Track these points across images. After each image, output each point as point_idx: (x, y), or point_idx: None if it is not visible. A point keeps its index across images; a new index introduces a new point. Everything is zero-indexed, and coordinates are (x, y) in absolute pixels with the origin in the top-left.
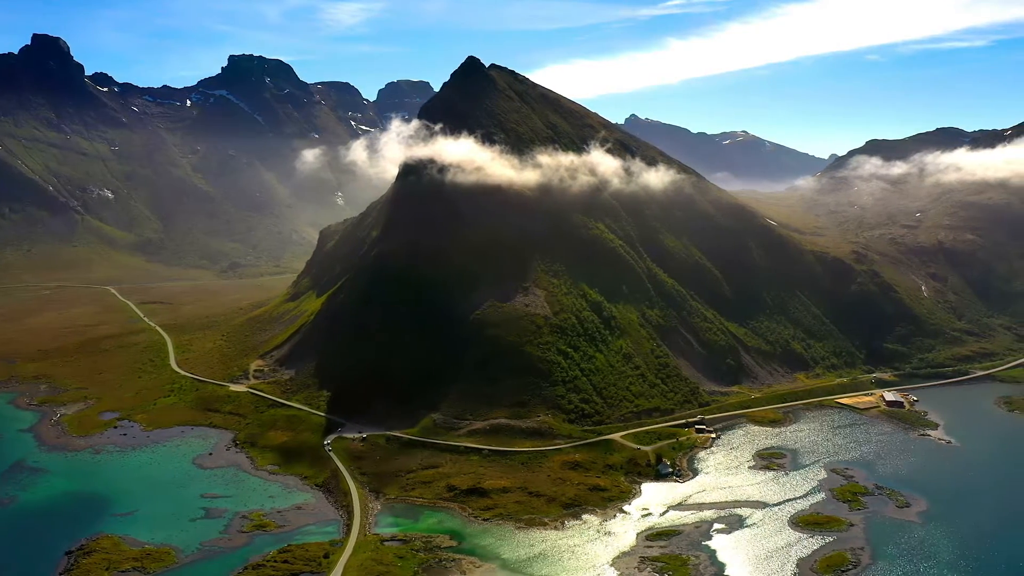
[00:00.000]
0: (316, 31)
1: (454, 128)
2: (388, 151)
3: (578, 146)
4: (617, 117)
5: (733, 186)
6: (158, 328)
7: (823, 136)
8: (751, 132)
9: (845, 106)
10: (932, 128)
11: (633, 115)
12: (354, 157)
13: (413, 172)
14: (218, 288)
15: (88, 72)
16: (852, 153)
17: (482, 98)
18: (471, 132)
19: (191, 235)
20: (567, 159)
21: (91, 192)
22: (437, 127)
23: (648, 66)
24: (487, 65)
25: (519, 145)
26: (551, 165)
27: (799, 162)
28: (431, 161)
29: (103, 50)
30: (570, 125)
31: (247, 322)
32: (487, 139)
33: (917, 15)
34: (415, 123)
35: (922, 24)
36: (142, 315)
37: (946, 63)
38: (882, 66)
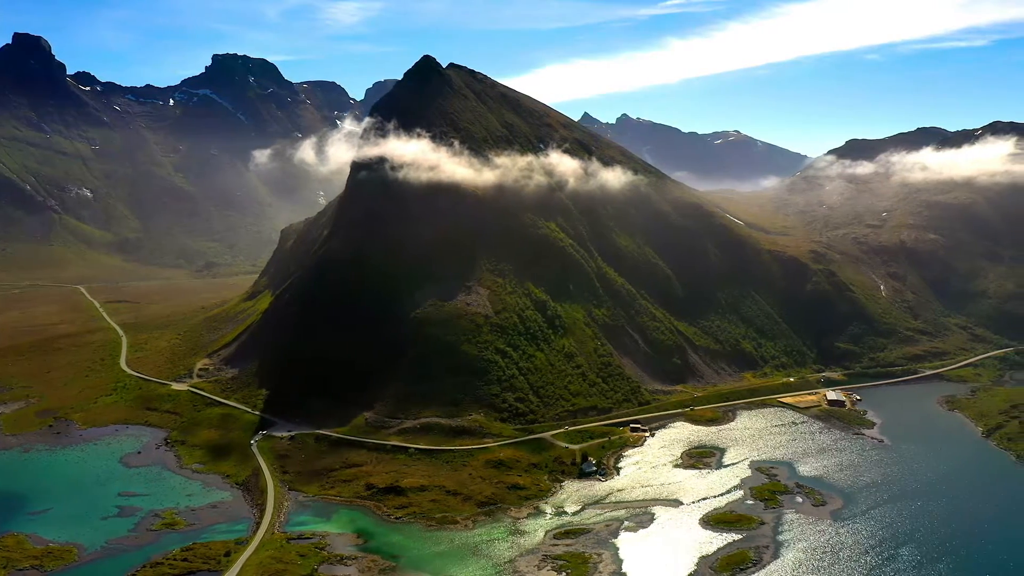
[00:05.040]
0: (315, 30)
1: (407, 127)
2: (333, 150)
3: (535, 146)
4: (613, 117)
5: (714, 185)
6: (116, 327)
7: (821, 136)
8: (747, 132)
9: (843, 106)
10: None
11: (624, 115)
12: (303, 156)
13: (364, 170)
14: (189, 287)
15: (71, 71)
16: (828, 152)
17: (436, 97)
18: (424, 131)
19: (170, 234)
20: (523, 159)
21: (69, 191)
22: (390, 125)
23: (648, 65)
24: (445, 64)
25: (472, 144)
26: (506, 165)
27: (790, 161)
28: (380, 159)
29: (102, 50)
30: (528, 125)
31: (204, 321)
32: (440, 138)
33: (917, 15)
34: (367, 120)
35: (922, 24)
36: (104, 314)
37: (946, 63)
38: (881, 66)
